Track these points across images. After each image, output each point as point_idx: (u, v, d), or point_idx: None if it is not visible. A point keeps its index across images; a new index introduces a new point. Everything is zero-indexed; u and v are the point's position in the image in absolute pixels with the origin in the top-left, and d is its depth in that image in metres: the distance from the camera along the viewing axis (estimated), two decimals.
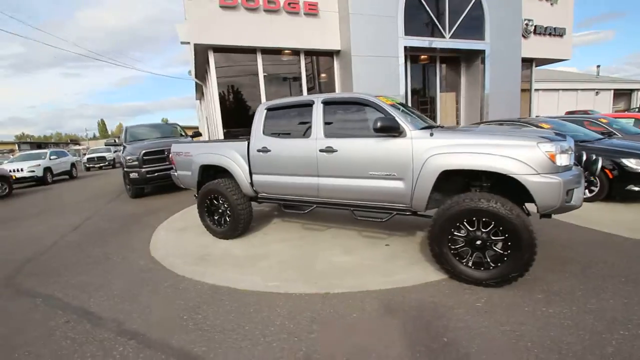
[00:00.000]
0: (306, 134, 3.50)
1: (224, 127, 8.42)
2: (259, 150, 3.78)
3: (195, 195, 4.66)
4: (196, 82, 11.61)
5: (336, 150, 3.26)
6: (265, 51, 8.57)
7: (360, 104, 3.28)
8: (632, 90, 30.04)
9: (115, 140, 8.79)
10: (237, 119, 8.77)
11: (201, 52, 8.27)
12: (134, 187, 7.40)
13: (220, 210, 4.19)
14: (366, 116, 3.25)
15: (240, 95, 8.92)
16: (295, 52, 8.99)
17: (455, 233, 2.72)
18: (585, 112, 17.62)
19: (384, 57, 8.96)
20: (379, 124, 2.86)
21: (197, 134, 9.02)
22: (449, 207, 2.67)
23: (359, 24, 8.49)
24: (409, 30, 9.27)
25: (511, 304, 2.41)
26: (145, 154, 7.11)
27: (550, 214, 2.64)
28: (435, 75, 11.35)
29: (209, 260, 3.60)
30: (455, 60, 11.37)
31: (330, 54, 9.32)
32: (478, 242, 2.64)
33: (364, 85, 8.67)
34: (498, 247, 2.59)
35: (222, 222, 4.22)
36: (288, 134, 3.70)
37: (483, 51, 10.61)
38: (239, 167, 3.96)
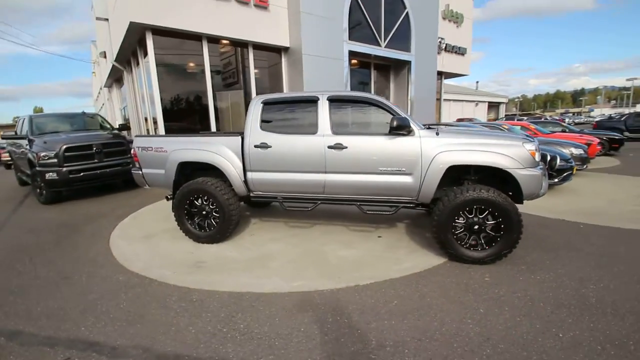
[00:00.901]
0: (311, 130, 3.48)
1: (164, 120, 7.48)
2: (256, 146, 3.58)
3: (168, 197, 4.12)
4: (114, 66, 9.92)
5: (346, 147, 3.34)
6: (212, 40, 7.93)
7: (368, 103, 3.44)
8: (499, 103, 37.85)
9: (16, 133, 6.86)
10: (177, 112, 7.90)
11: (135, 33, 7.15)
12: (50, 190, 5.98)
13: (204, 212, 3.81)
14: (372, 115, 3.44)
15: (182, 87, 8.04)
16: (244, 44, 8.57)
17: (457, 220, 3.13)
18: (470, 119, 21.56)
19: (332, 59, 9.29)
20: (395, 123, 3.08)
21: (125, 127, 7.77)
22: (455, 198, 3.05)
23: (310, 23, 8.61)
24: (351, 36, 9.81)
25: (509, 276, 2.92)
26: (67, 150, 5.82)
27: (524, 200, 3.27)
28: (369, 80, 12.28)
29: (207, 267, 3.26)
30: (386, 67, 12.51)
31: (279, 50, 9.19)
32: (475, 227, 3.09)
33: (314, 85, 8.85)
34: (490, 230, 3.08)
35: (206, 225, 3.85)
36: (290, 130, 3.60)
37: (409, 62, 11.96)
38: (231, 164, 3.68)
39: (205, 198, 3.75)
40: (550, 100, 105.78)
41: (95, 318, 2.43)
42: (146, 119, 9.02)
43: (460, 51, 15.46)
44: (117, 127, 7.69)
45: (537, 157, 3.11)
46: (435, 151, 3.14)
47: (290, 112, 3.69)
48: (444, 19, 14.16)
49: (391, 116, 3.29)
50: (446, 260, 3.25)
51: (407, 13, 11.42)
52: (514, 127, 8.98)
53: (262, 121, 3.65)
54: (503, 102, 38.65)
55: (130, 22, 6.44)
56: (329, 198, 3.59)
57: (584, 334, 2.09)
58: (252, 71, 8.82)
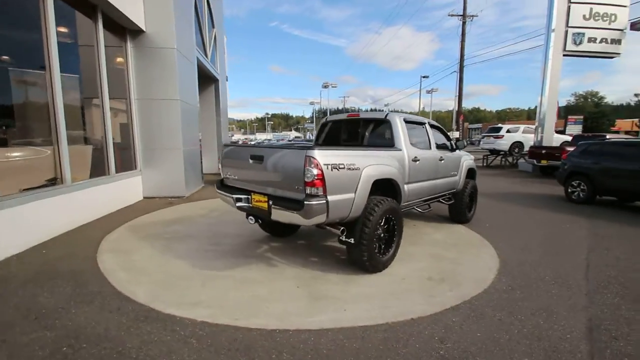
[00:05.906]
0: (427, 146, 4.47)
1: None
2: (413, 160, 3.95)
3: (342, 231, 3.11)
4: None
5: (444, 159, 4.74)
6: None
7: (440, 129, 5.01)
8: None
9: None
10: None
11: None
12: None
13: (381, 235, 3.45)
14: (440, 136, 5.06)
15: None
16: (93, 6, 5.21)
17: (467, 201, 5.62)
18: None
19: (191, 63, 7.85)
20: (456, 144, 5.05)
21: None
22: (468, 187, 5.51)
23: (180, 9, 6.86)
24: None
25: (490, 227, 5.79)
26: None
27: None
28: None
29: (456, 275, 3.39)
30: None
31: (124, 32, 6.33)
32: (468, 203, 5.76)
33: (183, 90, 7.18)
34: (470, 202, 5.87)
35: (377, 247, 3.48)
36: (419, 146, 4.27)
37: (218, 80, 12.01)
38: (402, 179, 3.72)
39: (383, 220, 3.43)
40: None
41: None
42: None
43: None
44: None
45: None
46: (463, 160, 5.42)
47: (415, 131, 4.33)
48: None
49: (444, 138, 5.15)
50: (462, 226, 5.57)
51: (215, 34, 11.50)
52: None
53: (408, 137, 4.03)
54: None
55: None
56: (431, 198, 4.69)
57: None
58: (102, 48, 5.54)
